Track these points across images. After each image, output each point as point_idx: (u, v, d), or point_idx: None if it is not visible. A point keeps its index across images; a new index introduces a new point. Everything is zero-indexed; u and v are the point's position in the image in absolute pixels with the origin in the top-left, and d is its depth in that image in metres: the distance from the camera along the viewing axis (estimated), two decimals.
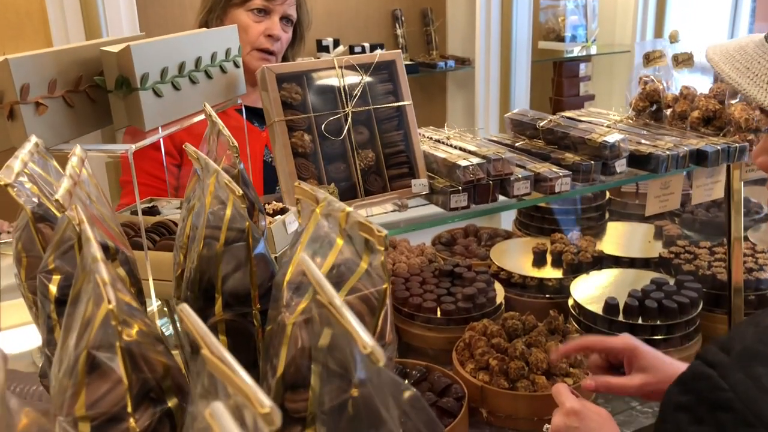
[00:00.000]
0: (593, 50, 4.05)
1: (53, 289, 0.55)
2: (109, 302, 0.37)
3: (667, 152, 1.38)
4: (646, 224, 2.26)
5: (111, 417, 0.41)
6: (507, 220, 2.60)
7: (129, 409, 0.41)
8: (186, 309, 0.37)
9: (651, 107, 1.70)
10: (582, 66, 4.03)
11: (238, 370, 0.32)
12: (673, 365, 1.20)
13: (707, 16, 4.16)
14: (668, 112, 1.64)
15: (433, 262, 2.10)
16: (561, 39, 3.95)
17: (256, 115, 1.81)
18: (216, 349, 0.33)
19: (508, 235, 2.31)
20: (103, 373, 0.41)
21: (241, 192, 0.54)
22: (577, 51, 3.98)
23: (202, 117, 1.08)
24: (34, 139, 0.71)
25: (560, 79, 4.02)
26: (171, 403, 0.44)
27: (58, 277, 0.55)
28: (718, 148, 1.41)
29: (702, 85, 1.67)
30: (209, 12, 1.82)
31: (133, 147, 0.87)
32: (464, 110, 3.86)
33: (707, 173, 1.45)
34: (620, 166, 1.37)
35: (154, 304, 0.92)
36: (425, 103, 3.95)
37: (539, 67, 3.95)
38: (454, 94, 3.97)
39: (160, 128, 0.98)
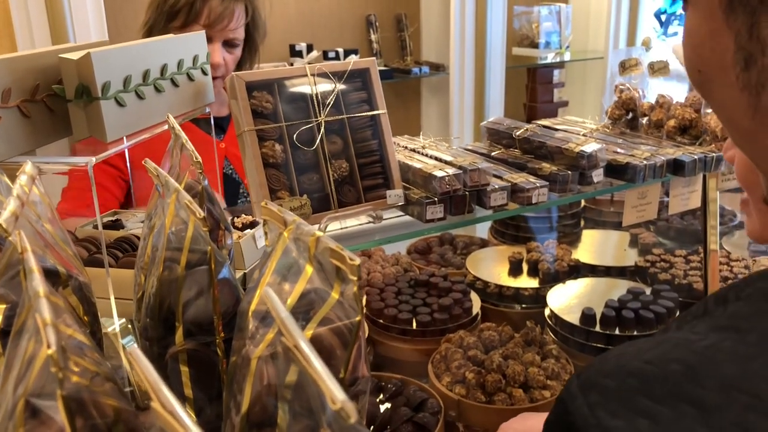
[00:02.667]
0: (567, 57, 4.06)
1: None
2: (49, 346, 0.33)
3: (645, 162, 1.37)
4: (621, 232, 2.26)
5: None
6: (483, 228, 2.58)
7: None
8: (136, 353, 0.33)
9: (627, 115, 1.69)
10: (556, 72, 4.04)
11: (191, 428, 0.28)
12: None
13: (679, 23, 4.20)
14: (644, 120, 1.63)
15: (409, 271, 2.07)
16: (535, 45, 3.95)
17: (213, 125, 1.75)
18: (168, 402, 0.29)
19: (483, 244, 2.29)
20: (43, 422, 0.37)
21: (202, 214, 0.50)
22: (551, 57, 3.99)
23: (165, 128, 1.04)
24: None
25: (534, 86, 4.03)
26: None
27: (3, 306, 0.51)
28: (695, 157, 1.40)
29: (677, 92, 1.66)
30: (149, 31, 1.75)
31: (93, 159, 0.82)
32: (439, 116, 3.85)
33: (684, 183, 1.44)
34: (597, 176, 1.35)
35: (116, 324, 0.87)
36: (400, 108, 3.93)
37: (513, 74, 3.95)
38: (429, 99, 3.95)
39: (125, 138, 0.93)
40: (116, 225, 1.06)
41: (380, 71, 3.64)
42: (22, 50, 2.66)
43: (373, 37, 3.73)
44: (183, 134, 0.69)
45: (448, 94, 3.70)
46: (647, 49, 4.03)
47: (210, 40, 1.69)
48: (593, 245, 2.21)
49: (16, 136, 0.84)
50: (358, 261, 0.42)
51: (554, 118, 1.79)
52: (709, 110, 1.51)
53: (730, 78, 0.51)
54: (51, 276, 0.52)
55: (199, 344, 0.54)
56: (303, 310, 0.45)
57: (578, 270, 1.97)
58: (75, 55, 0.87)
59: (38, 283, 0.38)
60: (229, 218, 1.05)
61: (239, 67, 1.83)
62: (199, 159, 0.64)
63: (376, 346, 1.75)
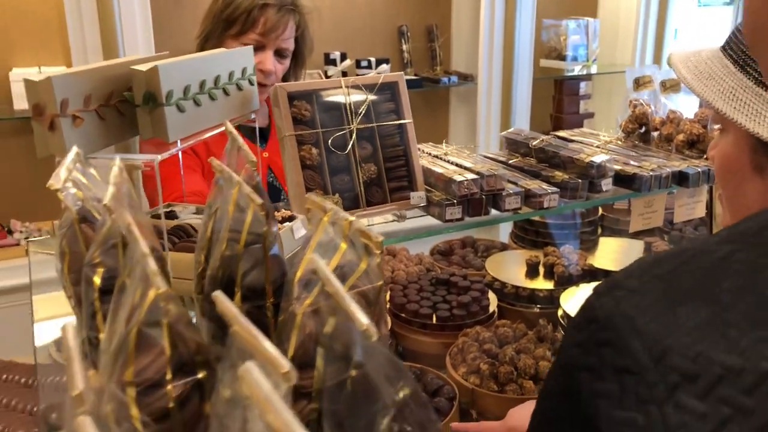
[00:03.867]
0: (593, 69, 4.15)
1: (97, 280, 0.64)
2: (158, 288, 0.47)
3: (651, 173, 1.47)
4: (637, 240, 2.35)
5: (153, 383, 0.51)
6: (504, 233, 2.69)
7: (168, 377, 0.50)
8: (220, 294, 0.46)
9: (640, 129, 1.79)
10: (582, 84, 4.14)
11: (263, 340, 0.41)
12: None
13: (706, 40, 4.26)
14: (655, 134, 1.74)
15: (431, 271, 2.19)
16: (562, 58, 4.06)
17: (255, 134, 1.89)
18: (244, 325, 0.42)
19: (503, 247, 2.40)
20: (150, 346, 0.50)
21: (261, 201, 0.64)
22: (577, 70, 4.09)
23: (219, 130, 1.18)
24: (75, 149, 0.80)
25: (561, 97, 4.13)
26: (201, 375, 0.53)
27: (102, 269, 0.64)
28: (699, 170, 1.51)
29: (689, 107, 1.77)
30: (206, 39, 1.88)
31: (158, 157, 0.96)
32: (466, 125, 3.97)
33: (689, 193, 1.54)
34: (606, 184, 1.46)
35: None
36: (428, 117, 4.06)
37: (540, 85, 4.06)
38: (457, 109, 4.07)
39: (178, 142, 1.07)
40: (170, 215, 1.20)
41: (410, 80, 3.77)
42: (76, 59, 2.84)
43: (404, 46, 3.86)
44: (239, 138, 0.82)
45: (476, 103, 3.82)
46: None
47: (263, 48, 1.82)
48: (609, 252, 2.31)
49: (94, 135, 0.99)
50: (381, 238, 0.54)
51: (573, 129, 1.90)
52: (716, 126, 1.61)
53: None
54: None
55: (253, 307, 0.68)
56: (338, 277, 0.58)
57: (592, 274, 2.07)
58: (144, 67, 1.01)
59: (144, 246, 0.51)
60: None
61: (284, 78, 1.94)
62: (254, 159, 0.77)
63: (398, 339, 1.87)
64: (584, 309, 0.59)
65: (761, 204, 0.95)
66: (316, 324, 0.59)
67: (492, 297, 1.98)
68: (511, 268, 2.15)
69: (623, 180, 1.50)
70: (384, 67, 3.59)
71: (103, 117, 1.00)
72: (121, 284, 0.57)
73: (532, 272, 2.11)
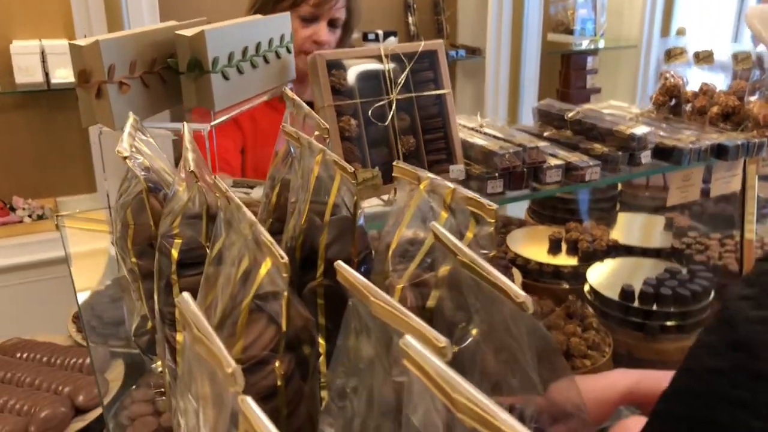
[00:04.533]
0: (601, 44, 4.11)
1: (175, 253, 0.61)
2: (282, 257, 0.43)
3: (690, 146, 1.44)
4: (656, 215, 2.33)
5: (261, 360, 0.48)
6: (520, 208, 2.65)
7: (278, 354, 0.47)
8: (342, 264, 0.43)
9: (670, 102, 1.76)
10: (589, 59, 4.09)
11: (412, 316, 0.38)
12: (598, 405, 1.28)
13: (714, 14, 4.23)
14: (687, 107, 1.70)
15: None
16: (570, 32, 4.01)
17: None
18: (388, 300, 0.39)
19: (521, 224, 2.37)
20: (257, 320, 0.47)
21: (352, 169, 0.60)
22: (585, 44, 4.04)
23: (260, 100, 1.14)
24: (131, 115, 0.76)
25: (568, 71, 4.08)
26: (306, 351, 0.50)
27: (180, 241, 0.61)
28: (738, 143, 1.48)
29: (718, 82, 1.73)
30: (256, 12, 1.86)
31: (208, 126, 0.92)
32: (473, 99, 3.92)
33: (726, 167, 1.52)
34: (645, 157, 1.43)
35: None
36: None
37: (547, 59, 4.01)
38: (464, 83, 4.02)
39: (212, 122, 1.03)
40: None
41: None
42: (79, 31, 2.77)
43: (410, 19, 3.80)
44: (305, 105, 0.78)
45: (484, 77, 3.77)
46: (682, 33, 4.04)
47: (316, 19, 1.84)
48: (629, 227, 2.29)
49: (139, 104, 0.94)
50: (495, 206, 0.51)
51: (596, 103, 1.86)
52: (753, 98, 1.58)
53: None
54: None
55: (335, 281, 0.64)
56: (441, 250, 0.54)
57: (616, 250, 2.05)
58: (189, 32, 0.96)
59: (250, 215, 0.48)
60: None
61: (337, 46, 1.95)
62: (326, 125, 0.73)
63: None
64: (716, 318, 0.56)
65: None
66: (416, 298, 0.55)
67: (516, 274, 1.95)
68: (532, 244, 2.13)
69: (661, 153, 1.47)
70: (392, 39, 3.53)
71: (147, 84, 0.95)
72: (216, 256, 0.53)
73: (554, 248, 2.08)
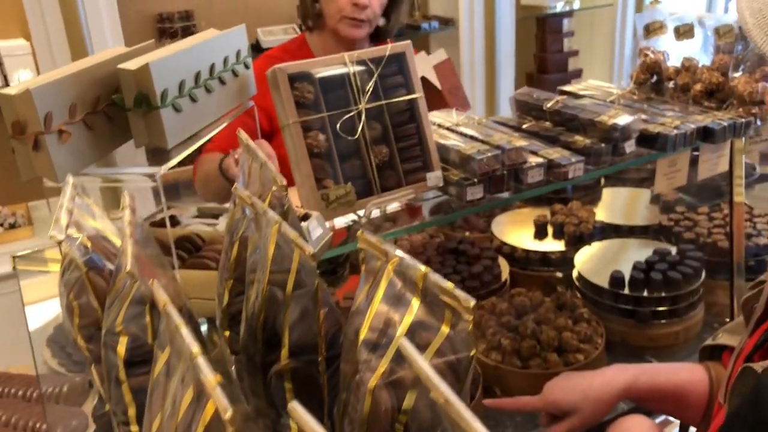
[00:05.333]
0: (576, 5, 4.02)
1: (122, 351, 0.54)
2: (225, 411, 0.37)
3: (675, 131, 1.39)
4: (642, 189, 2.28)
5: None
6: None
7: None
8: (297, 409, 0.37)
9: (651, 79, 1.70)
10: (565, 21, 4.01)
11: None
12: (596, 403, 1.26)
13: None
14: (670, 84, 1.64)
15: (435, 237, 2.10)
16: None
17: None
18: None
19: (505, 207, 2.31)
20: None
21: (311, 251, 0.54)
22: (560, 6, 3.94)
23: (222, 125, 1.06)
24: (70, 179, 0.69)
25: (544, 36, 4.00)
26: None
27: (125, 338, 0.55)
28: (724, 124, 1.42)
29: (700, 56, 1.67)
30: None
31: (161, 170, 0.85)
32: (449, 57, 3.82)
33: (713, 149, 1.46)
34: (629, 146, 1.37)
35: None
36: None
37: (522, 24, 3.91)
38: None
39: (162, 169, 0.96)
40: (173, 222, 1.09)
41: None
42: (35, 30, 2.65)
43: None
44: (261, 153, 0.71)
45: (459, 48, 3.67)
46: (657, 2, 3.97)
47: None
48: (615, 204, 2.24)
49: (83, 149, 0.87)
50: (472, 302, 0.45)
51: (575, 82, 1.79)
52: (737, 74, 1.52)
53: None
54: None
55: (302, 363, 0.58)
56: (414, 341, 0.49)
57: (603, 231, 2.00)
58: (133, 65, 0.89)
59: (191, 343, 0.41)
60: None
61: (389, 16, 1.96)
62: (284, 182, 0.67)
63: None
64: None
65: None
66: (392, 398, 0.50)
67: (503, 263, 1.90)
68: (517, 229, 2.07)
69: (646, 140, 1.41)
70: (389, 45, 3.42)
71: (91, 127, 0.88)
72: (163, 368, 0.47)
73: (540, 233, 2.03)
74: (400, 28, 3.55)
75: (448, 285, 0.47)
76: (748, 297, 1.20)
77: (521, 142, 1.29)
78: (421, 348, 0.49)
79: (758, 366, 0.87)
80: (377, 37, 2.00)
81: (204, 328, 0.96)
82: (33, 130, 0.79)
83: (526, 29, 4.02)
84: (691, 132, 1.40)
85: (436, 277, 0.48)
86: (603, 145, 1.34)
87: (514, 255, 1.94)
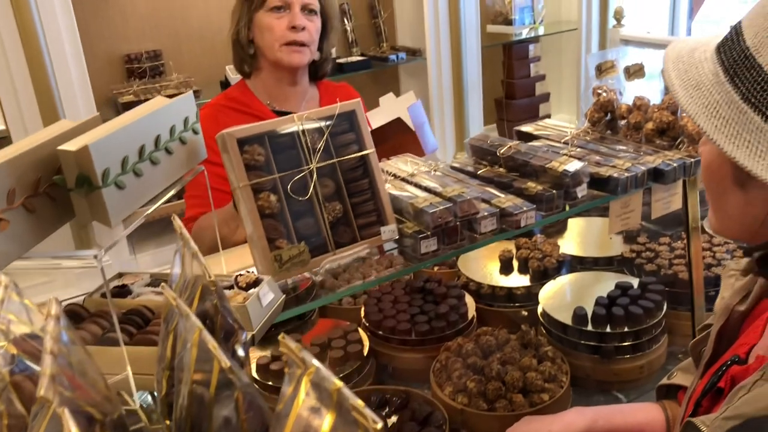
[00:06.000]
0: (541, 31, 4.08)
1: None
2: None
3: (626, 174, 1.41)
4: (605, 218, 2.30)
5: None
6: None
7: None
8: None
9: (606, 117, 1.72)
10: (531, 47, 4.07)
11: None
12: None
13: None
14: (623, 123, 1.67)
15: None
16: (509, 22, 3.97)
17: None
18: None
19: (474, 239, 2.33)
20: None
21: (227, 364, 0.54)
22: (525, 33, 4.00)
23: (169, 194, 1.07)
24: (3, 279, 0.69)
25: (511, 62, 4.05)
26: None
27: None
28: (674, 165, 1.45)
29: (653, 92, 1.70)
30: (237, 23, 1.90)
31: (102, 251, 0.85)
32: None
33: (665, 188, 1.49)
34: (581, 191, 1.40)
35: (137, 401, 0.92)
36: (380, 95, 3.93)
37: (489, 51, 3.97)
38: (408, 84, 3.96)
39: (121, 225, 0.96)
40: (123, 292, 1.09)
41: (357, 61, 3.64)
42: (1, 83, 2.64)
43: (348, 26, 3.72)
44: (192, 243, 0.72)
45: (427, 78, 3.71)
46: (620, 18, 4.03)
47: (288, 7, 1.85)
48: (579, 234, 2.27)
49: (23, 234, 0.87)
50: (380, 425, 0.46)
51: (535, 121, 1.82)
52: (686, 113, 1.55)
53: None
54: (84, 420, 0.56)
55: None
56: None
57: (567, 264, 2.02)
58: (73, 146, 0.89)
59: None
60: (233, 276, 1.09)
61: (321, 45, 1.98)
62: (212, 277, 0.67)
63: (378, 357, 1.80)
64: None
65: (742, 216, 0.91)
66: None
67: (469, 300, 1.91)
68: (484, 264, 2.09)
69: (598, 182, 1.43)
70: (338, 104, 3.45)
71: (32, 210, 0.88)
72: None
73: (505, 267, 2.05)
74: (367, 60, 3.60)
75: (359, 403, 0.48)
76: (696, 341, 1.22)
77: (474, 193, 1.31)
78: None
79: (700, 422, 0.89)
80: (316, 74, 2.01)
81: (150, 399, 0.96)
82: None
83: (493, 56, 4.08)
84: (641, 174, 1.43)
85: (348, 393, 0.49)
86: (554, 191, 1.36)
87: (480, 291, 1.96)
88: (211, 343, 0.55)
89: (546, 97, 4.18)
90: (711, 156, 0.94)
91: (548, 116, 4.19)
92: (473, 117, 3.78)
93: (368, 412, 0.47)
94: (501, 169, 1.51)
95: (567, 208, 1.41)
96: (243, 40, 1.90)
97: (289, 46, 1.86)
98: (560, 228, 2.32)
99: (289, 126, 1.22)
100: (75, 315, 1.02)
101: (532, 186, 1.39)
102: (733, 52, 0.85)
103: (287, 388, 0.58)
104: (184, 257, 0.73)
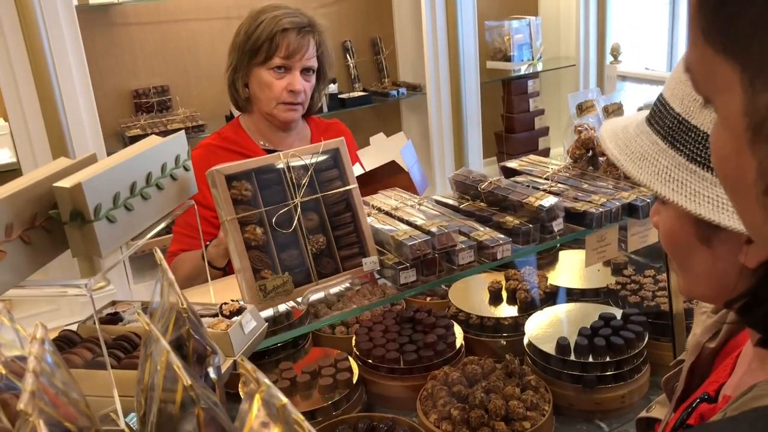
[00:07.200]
0: (539, 67, 4.17)
1: None
2: None
3: (601, 209, 1.47)
4: None
5: None
6: None
7: None
8: None
9: (587, 153, 1.79)
10: (530, 83, 4.15)
11: None
12: None
13: (647, 28, 4.31)
14: (603, 159, 1.74)
15: (396, 304, 2.17)
16: (508, 58, 4.06)
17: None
18: None
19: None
20: None
21: (189, 382, 0.61)
22: (524, 69, 4.10)
23: (161, 226, 1.14)
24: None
25: (510, 97, 4.14)
26: None
27: None
28: (648, 200, 1.51)
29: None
30: (234, 71, 1.95)
31: (92, 281, 0.92)
32: (420, 134, 3.95)
33: (640, 222, 1.55)
34: (557, 225, 1.46)
35: (122, 423, 0.98)
36: (381, 130, 4.01)
37: (489, 86, 4.06)
38: (409, 119, 4.05)
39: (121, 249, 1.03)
40: (115, 319, 1.16)
41: (360, 96, 3.74)
42: (10, 107, 2.75)
43: (350, 62, 3.83)
44: (170, 273, 0.79)
45: (427, 112, 3.80)
46: (616, 55, 4.10)
47: (289, 69, 1.91)
48: (569, 266, 2.32)
49: (20, 264, 0.94)
50: None
51: (523, 157, 1.89)
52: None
53: (750, 194, 0.53)
54: None
55: None
56: None
57: (555, 295, 2.08)
58: (67, 183, 0.97)
59: None
60: (219, 305, 1.16)
61: (312, 95, 2.03)
62: (184, 305, 0.74)
63: (367, 385, 1.85)
64: None
65: (711, 272, 0.94)
66: None
67: (458, 330, 1.97)
68: (474, 295, 2.15)
69: (574, 217, 1.49)
70: (331, 87, 3.55)
71: (28, 241, 0.95)
72: None
73: (495, 298, 2.10)
74: (369, 95, 3.69)
75: (300, 417, 0.54)
76: (669, 376, 1.26)
77: (454, 225, 1.37)
78: None
79: None
80: (307, 112, 2.07)
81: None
82: None
83: (494, 91, 4.17)
84: (616, 209, 1.49)
85: (292, 409, 0.55)
86: (531, 226, 1.42)
87: (469, 322, 2.01)
88: (176, 363, 0.62)
89: (545, 131, 4.26)
90: (670, 221, 0.97)
91: (548, 150, 4.27)
92: (473, 151, 3.86)
93: (307, 425, 0.54)
94: (482, 204, 1.57)
95: (543, 241, 1.47)
96: (238, 86, 1.96)
97: (286, 105, 1.93)
98: (551, 260, 2.38)
99: (275, 163, 1.29)
100: (68, 340, 1.09)
101: (510, 220, 1.46)
102: (665, 120, 0.89)
103: (244, 405, 0.64)
104: (163, 287, 0.80)
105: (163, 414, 0.67)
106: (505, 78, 4.11)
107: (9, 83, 2.81)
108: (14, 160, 2.94)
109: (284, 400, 0.57)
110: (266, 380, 0.60)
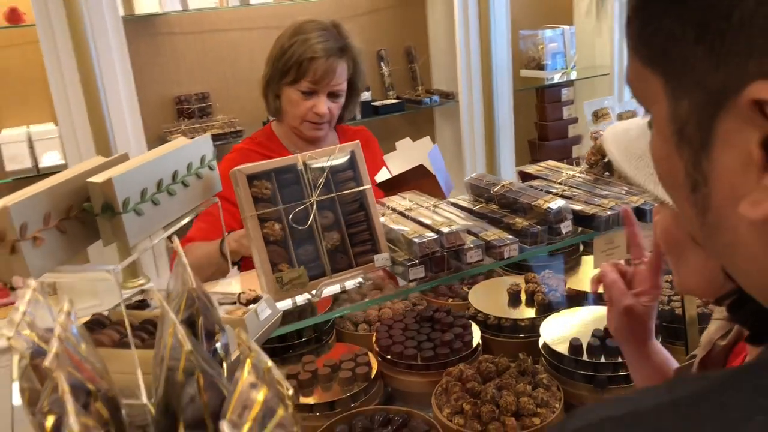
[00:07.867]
0: (573, 75, 4.19)
1: (48, 424, 0.70)
2: None
3: (609, 212, 1.52)
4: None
5: None
6: None
7: None
8: None
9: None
10: (564, 91, 4.18)
11: None
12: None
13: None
14: None
15: (417, 304, 2.24)
16: (541, 67, 4.09)
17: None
18: None
19: (489, 274, 2.44)
20: None
21: (189, 348, 0.69)
22: (558, 78, 4.12)
23: (186, 220, 1.23)
24: (32, 283, 0.86)
25: (543, 105, 4.17)
26: None
27: (52, 417, 0.70)
28: (656, 204, 1.55)
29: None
30: (267, 84, 2.05)
31: (119, 267, 1.02)
32: (452, 141, 4.01)
33: (648, 226, 1.59)
34: (566, 227, 1.51)
35: (144, 397, 1.07)
36: (415, 137, 4.09)
37: (523, 94, 4.10)
38: (442, 126, 4.12)
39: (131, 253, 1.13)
40: (143, 305, 1.26)
41: (393, 104, 3.82)
42: (61, 116, 2.91)
43: (384, 70, 3.91)
44: (183, 258, 0.88)
45: (459, 120, 3.86)
46: None
47: (316, 92, 2.00)
48: (589, 271, 2.35)
49: (56, 251, 1.05)
50: (291, 391, 0.60)
51: (540, 163, 1.94)
52: None
53: (682, 193, 0.58)
54: (83, 393, 0.71)
55: None
56: (260, 421, 0.63)
57: (573, 299, 2.12)
58: (99, 178, 1.07)
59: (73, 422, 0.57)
60: (237, 294, 1.25)
61: (342, 110, 2.11)
62: (194, 285, 0.83)
63: (386, 380, 1.93)
64: None
65: (704, 269, 0.99)
66: None
67: (475, 329, 2.03)
68: (494, 297, 2.20)
69: (583, 220, 1.54)
70: (365, 94, 3.64)
71: (64, 231, 1.05)
72: None
73: (513, 301, 2.16)
74: (402, 102, 3.77)
75: (280, 376, 0.62)
76: (681, 367, 1.30)
77: (463, 224, 1.44)
78: (262, 425, 0.63)
79: None
80: (338, 122, 2.15)
81: None
82: (10, 238, 0.97)
83: (528, 99, 4.21)
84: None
85: (276, 372, 0.63)
86: (539, 227, 1.48)
87: (487, 322, 2.07)
88: (181, 333, 0.70)
89: (578, 140, 4.27)
90: (666, 220, 1.03)
91: (579, 158, 4.28)
92: (504, 158, 3.90)
93: (285, 382, 0.62)
94: (495, 206, 1.63)
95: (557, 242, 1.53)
96: (270, 98, 2.06)
97: (311, 124, 2.02)
98: (574, 264, 2.42)
99: (294, 164, 1.38)
100: (99, 323, 1.19)
101: (519, 222, 1.52)
102: None
103: (238, 371, 0.72)
104: (177, 271, 0.89)
105: (169, 381, 0.76)
106: (538, 86, 4.15)
107: (59, 90, 2.98)
108: (63, 161, 3.10)
109: (269, 363, 0.65)
110: (256, 347, 0.68)
